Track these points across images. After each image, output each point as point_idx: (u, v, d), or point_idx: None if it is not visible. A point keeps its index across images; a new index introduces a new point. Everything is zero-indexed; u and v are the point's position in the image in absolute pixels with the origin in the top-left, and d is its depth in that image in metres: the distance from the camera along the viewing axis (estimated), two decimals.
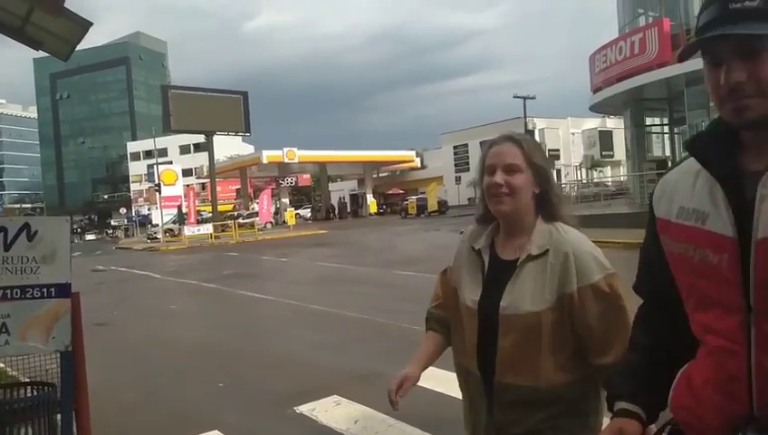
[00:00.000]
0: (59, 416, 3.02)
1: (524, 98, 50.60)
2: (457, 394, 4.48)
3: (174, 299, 11.97)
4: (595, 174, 49.37)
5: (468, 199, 55.40)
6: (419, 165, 62.94)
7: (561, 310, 1.57)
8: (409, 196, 49.25)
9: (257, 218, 38.38)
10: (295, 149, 48.19)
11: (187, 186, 46.91)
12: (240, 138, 60.69)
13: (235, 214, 45.46)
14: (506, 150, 1.67)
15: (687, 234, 1.12)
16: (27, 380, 3.25)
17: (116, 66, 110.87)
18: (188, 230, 32.16)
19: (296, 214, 46.79)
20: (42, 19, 4.29)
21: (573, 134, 56.61)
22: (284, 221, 41.94)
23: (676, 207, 1.17)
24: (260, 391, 5.11)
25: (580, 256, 1.64)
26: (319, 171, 57.67)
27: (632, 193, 23.01)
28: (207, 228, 32.21)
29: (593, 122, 54.92)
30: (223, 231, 33.88)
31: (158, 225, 41.55)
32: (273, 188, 52.74)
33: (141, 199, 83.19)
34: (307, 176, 61.94)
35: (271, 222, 43.01)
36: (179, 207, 38.13)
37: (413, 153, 62.29)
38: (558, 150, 54.70)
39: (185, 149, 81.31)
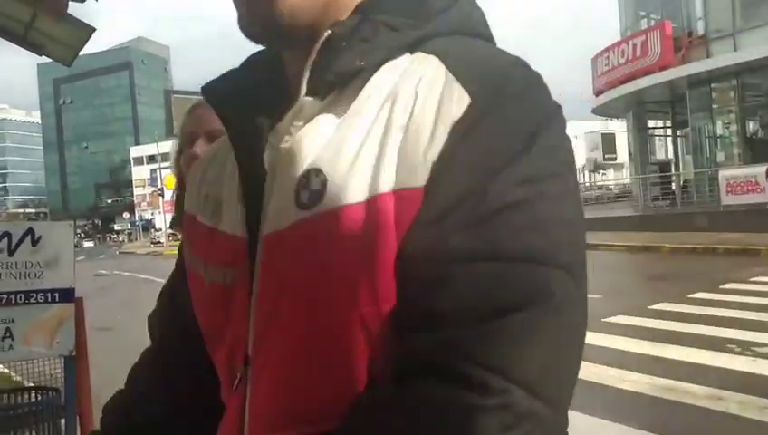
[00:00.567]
0: (63, 421, 3.03)
1: None
2: None
3: None
4: (598, 177, 49.34)
5: None
6: None
7: None
8: None
9: None
10: None
11: None
12: None
13: None
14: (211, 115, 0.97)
15: (200, 240, 0.74)
16: (31, 384, 3.26)
17: (119, 71, 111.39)
18: None
19: None
20: (45, 25, 4.31)
21: (576, 137, 56.62)
22: None
23: (203, 193, 0.76)
24: None
25: None
26: None
27: (635, 196, 22.99)
28: None
29: (596, 125, 54.96)
30: None
31: (161, 229, 41.70)
32: None
33: (144, 204, 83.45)
34: None
35: None
36: None
37: None
38: None
39: None
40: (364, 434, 0.54)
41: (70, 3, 3.69)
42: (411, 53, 0.60)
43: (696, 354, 5.08)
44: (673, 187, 19.63)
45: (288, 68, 0.67)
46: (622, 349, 5.48)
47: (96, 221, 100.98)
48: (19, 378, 3.66)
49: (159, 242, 37.53)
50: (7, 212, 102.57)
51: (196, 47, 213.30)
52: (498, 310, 0.51)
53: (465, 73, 0.57)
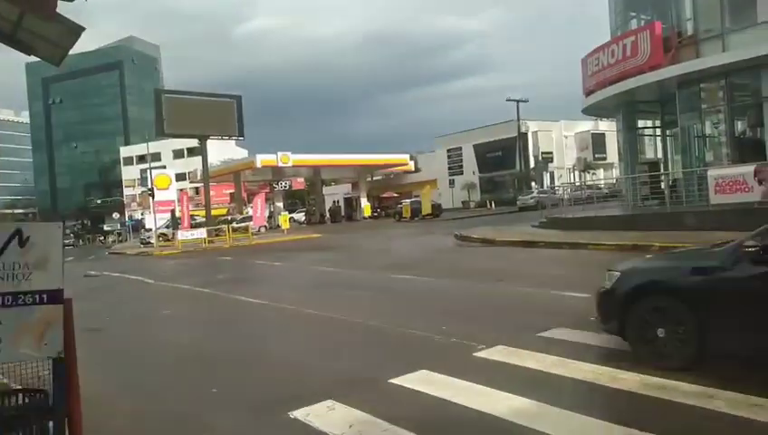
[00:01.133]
0: (51, 423, 3.00)
1: (518, 101, 50.77)
2: (455, 399, 4.46)
3: (167, 304, 11.91)
4: (588, 176, 49.53)
5: (462, 202, 55.57)
6: (413, 168, 62.93)
7: None
8: (404, 199, 49.25)
9: (251, 223, 38.29)
10: (289, 153, 48.14)
11: (181, 190, 46.82)
12: (234, 142, 60.59)
13: (229, 218, 45.38)
14: None
15: None
16: (19, 387, 3.23)
17: (109, 70, 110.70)
18: (182, 235, 32.05)
19: (290, 218, 46.70)
20: (34, 24, 4.27)
21: (566, 137, 56.84)
22: (278, 225, 41.83)
23: None
24: (254, 396, 5.09)
25: None
26: (313, 175, 57.63)
27: (625, 195, 23.10)
28: (201, 233, 32.10)
29: (586, 125, 55.14)
30: (217, 235, 33.76)
31: (151, 229, 41.40)
32: (267, 192, 52.66)
33: (134, 204, 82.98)
34: (301, 180, 61.91)
35: (265, 226, 42.91)
36: (173, 212, 38.00)
37: (407, 156, 62.25)
38: (551, 153, 54.92)
39: (178, 154, 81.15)
40: None
41: (59, 2, 3.65)
42: None
43: None
44: (662, 186, 19.74)
45: None
46: (611, 347, 5.50)
47: (85, 221, 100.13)
48: (7, 380, 3.62)
49: (149, 243, 37.26)
50: None
51: (187, 46, 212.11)
52: None
53: None
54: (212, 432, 4.24)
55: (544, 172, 51.22)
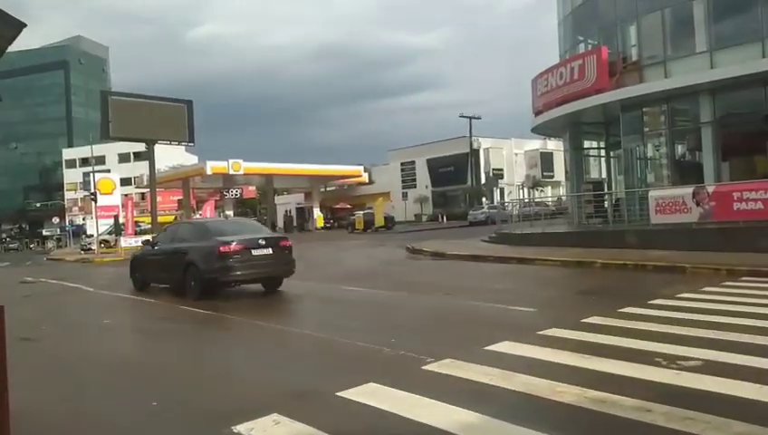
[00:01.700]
0: None
1: (470, 118, 51.77)
2: (402, 413, 4.46)
3: (107, 313, 11.49)
4: (536, 193, 50.75)
5: (415, 215, 56.00)
6: (367, 180, 63.18)
7: None
8: (357, 211, 49.28)
9: None
10: (241, 161, 47.53)
11: (126, 195, 45.42)
12: (183, 147, 59.34)
13: None
14: None
15: None
16: None
17: (54, 70, 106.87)
18: (125, 241, 31.09)
19: None
20: None
21: (516, 154, 58.22)
22: None
23: None
24: (196, 410, 4.94)
25: None
26: (265, 184, 56.99)
27: (571, 213, 23.78)
28: (146, 240, 31.19)
29: (535, 144, 56.67)
30: None
31: (92, 235, 39.98)
32: (216, 200, 51.77)
33: (76, 209, 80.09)
34: (252, 188, 61.13)
35: None
36: (116, 218, 36.82)
37: (361, 168, 62.48)
38: (502, 170, 56.11)
39: (124, 158, 78.88)
40: None
41: None
42: None
43: (625, 367, 5.26)
44: (606, 205, 20.40)
45: None
46: (554, 361, 5.62)
47: (23, 225, 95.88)
48: None
49: (90, 249, 35.94)
50: None
51: (137, 48, 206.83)
52: None
53: None
54: None
55: (495, 188, 52.27)
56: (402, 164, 61.82)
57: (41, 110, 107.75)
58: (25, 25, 3.84)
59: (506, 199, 48.21)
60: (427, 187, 58.68)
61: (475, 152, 53.81)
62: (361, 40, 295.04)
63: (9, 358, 3.00)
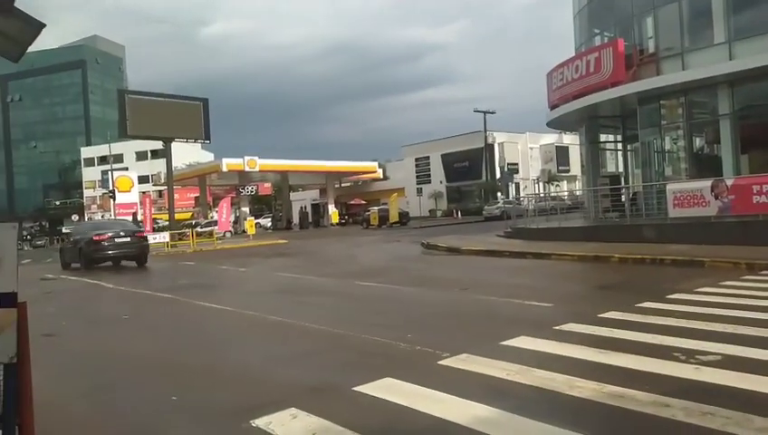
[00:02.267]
0: (1, 431, 2.90)
1: (485, 112, 51.52)
2: (419, 407, 4.49)
3: (126, 309, 11.64)
4: (552, 188, 50.42)
5: (429, 211, 55.91)
6: (381, 176, 63.16)
7: None
8: (371, 206, 49.32)
9: (216, 227, 37.79)
10: (256, 158, 47.75)
11: (144, 193, 45.94)
12: (199, 145, 59.77)
13: (193, 222, 44.72)
14: None
15: None
16: None
17: (72, 69, 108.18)
18: None
19: (256, 223, 46.23)
20: None
21: (531, 149, 57.83)
22: (244, 230, 41.39)
23: None
24: (215, 405, 5.00)
25: None
26: (280, 180, 57.21)
27: (587, 207, 23.60)
28: (164, 237, 31.51)
29: (551, 138, 56.25)
30: (180, 240, 33.19)
31: None
32: (232, 197, 52.09)
33: (95, 206, 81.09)
34: (268, 185, 61.39)
35: (230, 231, 42.41)
36: (134, 215, 37.21)
37: (375, 164, 62.49)
38: (516, 164, 55.76)
39: (141, 156, 79.68)
40: None
41: None
42: None
43: (643, 362, 5.22)
44: (623, 199, 20.22)
45: None
46: (571, 356, 5.60)
47: (43, 223, 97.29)
48: None
49: None
50: None
51: (151, 47, 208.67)
52: None
53: None
54: None
55: (510, 183, 51.94)
56: (416, 160, 61.72)
57: (59, 109, 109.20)
58: (45, 26, 3.90)
59: (522, 194, 47.98)
60: (441, 182, 58.53)
61: (490, 147, 53.55)
62: (373, 35, 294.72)
63: (31, 353, 3.06)
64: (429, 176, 60.03)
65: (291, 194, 61.28)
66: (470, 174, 55.29)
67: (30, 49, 4.83)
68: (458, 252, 18.27)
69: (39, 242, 75.73)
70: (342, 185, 65.36)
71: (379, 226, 42.16)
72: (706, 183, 15.28)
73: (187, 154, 61.32)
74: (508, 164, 54.76)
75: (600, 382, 4.70)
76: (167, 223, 39.23)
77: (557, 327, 6.81)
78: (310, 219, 56.50)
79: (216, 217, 44.85)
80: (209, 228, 37.63)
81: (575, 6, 23.88)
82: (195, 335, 8.56)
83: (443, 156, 58.21)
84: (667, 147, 20.38)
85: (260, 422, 4.32)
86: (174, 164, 38.77)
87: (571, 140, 52.52)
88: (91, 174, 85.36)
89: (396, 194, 48.53)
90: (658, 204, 17.28)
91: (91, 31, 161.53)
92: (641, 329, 6.51)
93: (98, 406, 5.32)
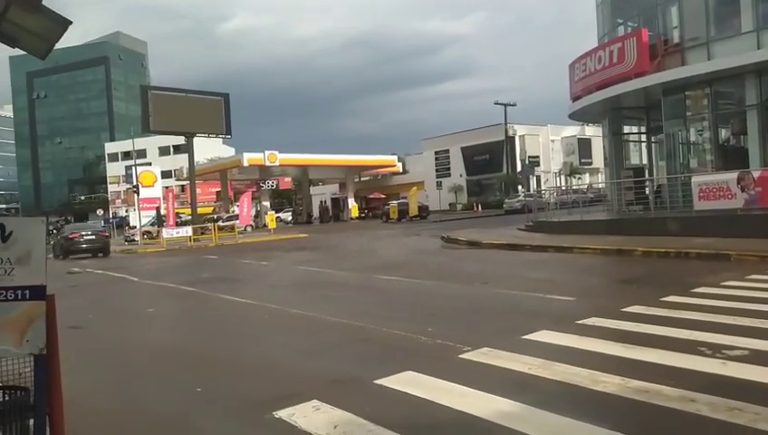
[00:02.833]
0: (32, 421, 2.96)
1: (505, 105, 51.08)
2: (440, 400, 4.49)
3: (151, 302, 11.82)
4: (574, 181, 49.89)
5: (449, 204, 55.73)
6: (401, 170, 63.05)
7: None
8: (391, 200, 49.28)
9: (237, 221, 38.15)
10: (276, 152, 47.98)
11: (166, 188, 46.46)
12: (220, 140, 60.24)
13: (215, 216, 45.14)
14: None
15: None
16: (0, 384, 3.18)
17: (95, 66, 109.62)
18: (167, 232, 31.81)
19: (277, 217, 46.56)
20: (18, 16, 4.21)
21: (553, 141, 57.24)
22: (265, 224, 41.69)
23: None
24: (238, 396, 5.06)
25: None
26: (300, 175, 57.48)
27: (610, 200, 23.31)
28: (186, 231, 31.89)
29: (572, 130, 55.60)
30: (202, 234, 33.56)
31: (135, 227, 41.06)
32: (253, 191, 52.45)
33: (119, 201, 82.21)
34: (288, 179, 61.75)
35: (251, 225, 42.75)
36: (158, 209, 37.69)
37: (395, 158, 62.41)
38: (538, 157, 55.28)
39: (164, 151, 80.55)
40: None
41: None
42: None
43: (668, 356, 5.16)
44: (647, 192, 19.93)
45: None
46: (595, 351, 5.55)
47: (69, 218, 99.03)
48: None
49: (134, 240, 36.94)
50: None
51: (172, 43, 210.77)
52: None
53: None
54: (195, 432, 4.21)
55: (531, 176, 51.53)
56: (436, 153, 61.48)
57: (83, 105, 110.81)
58: (71, 23, 3.96)
59: (543, 187, 47.54)
60: (461, 175, 58.26)
61: (511, 140, 53.12)
62: (392, 28, 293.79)
63: (59, 346, 3.12)
64: (449, 169, 59.78)
65: (311, 188, 61.55)
66: (490, 167, 54.94)
67: (55, 46, 4.90)
68: (479, 245, 18.20)
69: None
70: (362, 179, 65.42)
71: (398, 219, 42.15)
72: (732, 175, 14.99)
73: (208, 149, 61.82)
74: (529, 157, 54.31)
75: (625, 377, 4.65)
76: (189, 217, 39.65)
77: (579, 321, 6.75)
78: (330, 213, 56.69)
79: (237, 211, 45.23)
80: (231, 223, 37.96)
81: None
82: (218, 328, 8.66)
83: (463, 149, 57.90)
84: (692, 138, 20.01)
85: (283, 414, 4.36)
86: (195, 159, 39.18)
87: (593, 131, 51.87)
88: (115, 169, 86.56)
89: (415, 188, 48.42)
90: (683, 196, 16.99)
91: (114, 27, 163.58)
92: (666, 323, 6.42)
93: (123, 397, 5.42)
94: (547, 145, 56.62)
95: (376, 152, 59.61)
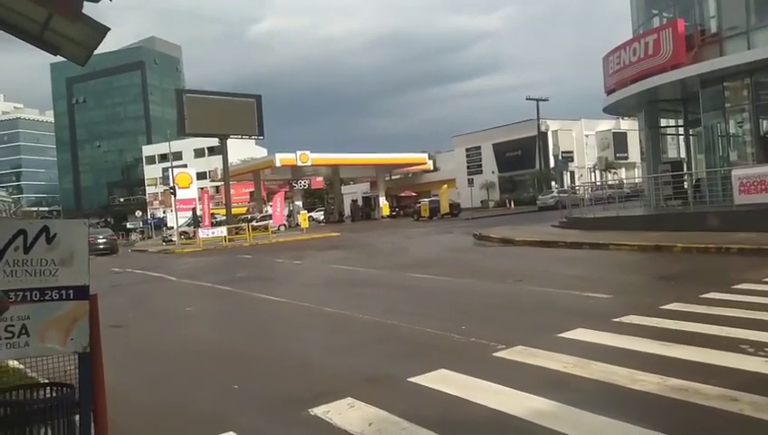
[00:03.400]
0: (77, 417, 3.06)
1: (537, 100, 50.43)
2: (474, 399, 4.47)
3: (189, 301, 12.06)
4: (609, 176, 48.98)
5: (481, 202, 55.33)
6: (432, 167, 62.86)
7: None
8: (422, 198, 49.18)
9: (271, 221, 38.58)
10: (308, 152, 48.37)
11: (202, 189, 47.33)
12: (253, 141, 61.00)
13: (249, 216, 45.76)
14: None
15: None
16: (46, 381, 3.29)
17: (131, 70, 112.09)
18: (203, 233, 32.39)
19: (309, 216, 46.93)
20: (60, 25, 4.35)
21: (587, 136, 56.26)
22: (297, 224, 42.09)
23: None
24: (274, 394, 5.13)
25: None
26: (331, 174, 57.79)
27: (647, 195, 22.83)
28: (221, 231, 32.42)
29: (607, 124, 54.55)
30: (237, 234, 34.06)
31: (172, 227, 41.92)
32: (286, 191, 52.99)
33: (156, 202, 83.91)
34: (320, 178, 62.13)
35: (284, 224, 43.19)
36: (194, 210, 38.40)
37: (425, 155, 62.25)
38: (571, 152, 54.41)
39: (199, 153, 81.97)
40: None
41: (84, 3, 3.72)
42: None
43: (708, 355, 5.04)
44: (685, 186, 19.46)
45: None
46: (632, 348, 5.45)
47: (109, 219, 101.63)
48: (34, 374, 3.70)
49: (171, 241, 37.71)
50: (22, 210, 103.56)
51: (205, 46, 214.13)
52: None
53: None
54: (233, 428, 4.29)
55: (564, 172, 50.71)
56: (467, 150, 61.06)
57: (120, 109, 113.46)
58: (109, 29, 4.06)
59: (577, 183, 46.81)
60: (493, 172, 57.74)
61: (543, 135, 52.41)
62: (420, 25, 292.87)
63: (102, 344, 3.22)
64: (480, 166, 59.32)
65: (342, 187, 61.85)
66: (523, 163, 54.32)
67: (93, 52, 5.05)
68: (511, 243, 18.03)
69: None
70: (393, 177, 65.43)
71: (429, 217, 42.03)
72: None
73: (241, 150, 62.67)
74: (562, 152, 53.48)
75: (663, 376, 4.56)
76: (224, 217, 40.30)
77: (616, 319, 6.64)
78: (361, 212, 56.89)
79: (270, 211, 45.76)
80: (264, 222, 38.43)
81: None
82: (253, 326, 8.79)
83: (494, 145, 57.37)
84: (732, 131, 19.45)
85: (318, 411, 4.41)
86: (229, 160, 39.75)
87: (628, 125, 50.77)
88: (152, 171, 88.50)
89: (446, 185, 48.20)
90: (723, 191, 16.54)
91: (149, 33, 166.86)
92: (706, 320, 6.27)
93: (163, 394, 5.55)
94: (581, 140, 55.68)
95: (406, 150, 59.63)
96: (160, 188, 75.15)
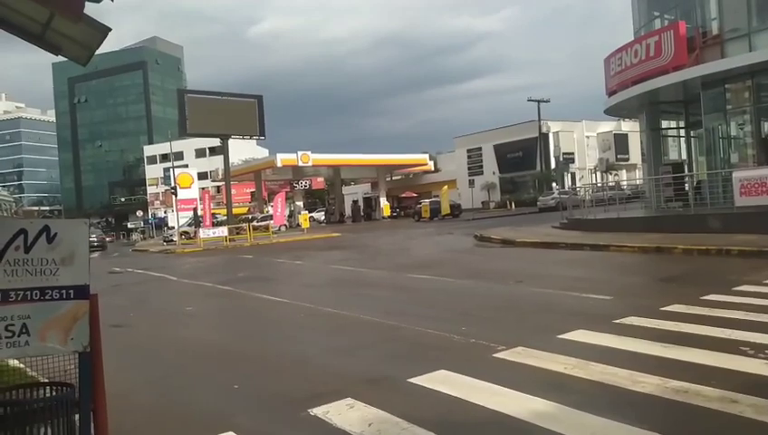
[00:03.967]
0: (77, 416, 3.06)
1: (539, 101, 50.45)
2: (474, 400, 4.47)
3: (189, 301, 12.06)
4: (610, 177, 48.96)
5: (482, 203, 55.33)
6: (433, 168, 62.87)
7: None
8: (423, 199, 49.17)
9: (271, 221, 38.55)
10: (309, 153, 48.38)
11: (203, 189, 47.35)
12: (255, 141, 61.03)
13: (250, 217, 45.77)
14: None
15: None
16: (46, 380, 3.30)
17: (133, 70, 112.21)
18: (204, 233, 32.39)
19: (310, 217, 46.94)
20: (62, 25, 4.36)
21: (588, 137, 56.26)
22: (298, 224, 42.08)
23: None
24: (274, 394, 5.13)
25: None
26: (333, 174, 57.81)
27: (648, 197, 22.81)
28: (222, 231, 32.42)
29: (608, 125, 54.55)
30: (238, 234, 34.06)
31: (173, 227, 41.94)
32: (287, 191, 52.98)
33: (158, 202, 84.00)
34: (321, 179, 62.15)
35: (285, 225, 43.17)
36: (195, 210, 38.40)
37: (426, 156, 62.28)
38: (572, 154, 54.40)
39: (200, 153, 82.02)
40: None
41: (86, 3, 3.72)
42: None
43: (709, 356, 5.04)
44: (686, 188, 19.44)
45: None
46: (632, 350, 5.45)
47: (110, 219, 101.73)
48: (34, 374, 3.70)
49: (172, 241, 37.72)
50: (23, 209, 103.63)
51: (206, 46, 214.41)
52: None
53: None
54: (233, 428, 4.29)
55: (565, 173, 50.74)
56: (468, 151, 61.06)
57: (122, 109, 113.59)
58: (110, 30, 4.07)
59: (578, 184, 46.80)
60: (494, 173, 57.74)
61: (545, 136, 52.43)
62: (421, 27, 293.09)
63: (102, 344, 3.22)
64: (482, 167, 59.32)
65: (343, 188, 61.86)
66: (524, 164, 54.32)
67: (95, 52, 5.05)
68: (512, 244, 18.02)
69: (107, 239, 79.24)
70: (394, 178, 65.46)
71: (430, 218, 42.02)
72: None
73: (242, 150, 62.71)
74: (563, 154, 53.49)
75: (664, 377, 4.56)
76: (225, 218, 40.31)
77: (617, 321, 6.64)
78: (362, 212, 56.90)
79: (271, 211, 45.77)
80: (265, 223, 38.42)
81: None
82: (254, 326, 8.79)
83: (495, 147, 57.37)
84: (733, 132, 19.43)
85: (318, 411, 4.41)
86: (230, 160, 39.77)
87: (630, 127, 50.78)
88: (153, 171, 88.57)
89: (447, 186, 48.19)
90: (724, 192, 16.52)
91: (150, 33, 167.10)
92: (707, 322, 6.27)
93: (164, 393, 5.55)
94: (582, 141, 55.67)
95: (407, 151, 59.66)
96: (161, 188, 75.23)
